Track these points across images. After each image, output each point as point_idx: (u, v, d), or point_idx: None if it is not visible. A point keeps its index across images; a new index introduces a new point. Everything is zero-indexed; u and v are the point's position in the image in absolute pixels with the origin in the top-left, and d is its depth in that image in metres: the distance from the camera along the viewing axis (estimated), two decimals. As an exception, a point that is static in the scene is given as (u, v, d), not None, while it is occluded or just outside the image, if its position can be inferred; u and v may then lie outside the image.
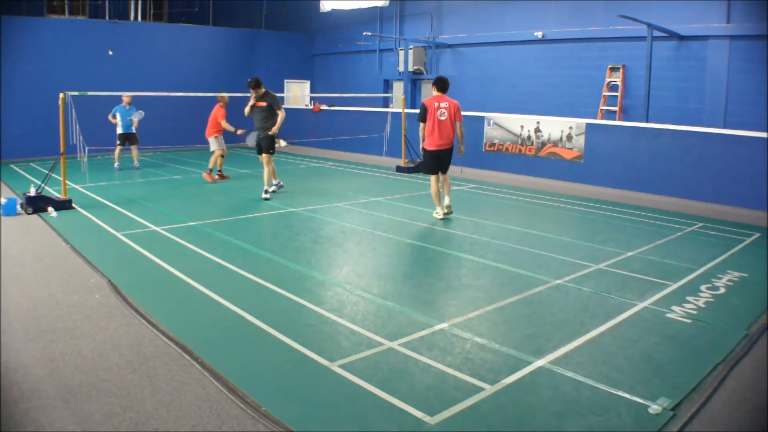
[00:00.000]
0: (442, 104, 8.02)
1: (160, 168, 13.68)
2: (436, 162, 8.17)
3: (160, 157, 15.64)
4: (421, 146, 8.35)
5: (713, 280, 5.71)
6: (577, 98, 13.83)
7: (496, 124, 13.39)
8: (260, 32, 20.67)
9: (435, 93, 8.17)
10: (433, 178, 8.23)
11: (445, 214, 8.24)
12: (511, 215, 8.79)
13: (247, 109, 9.67)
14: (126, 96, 12.86)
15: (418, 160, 13.37)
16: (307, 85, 21.16)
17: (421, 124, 8.12)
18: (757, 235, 7.75)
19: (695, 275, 5.84)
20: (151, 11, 20.29)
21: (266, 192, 9.65)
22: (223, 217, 8.34)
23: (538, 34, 14.50)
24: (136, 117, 13.01)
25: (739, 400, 3.49)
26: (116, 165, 13.19)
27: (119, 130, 12.96)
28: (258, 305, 4.82)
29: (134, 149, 13.30)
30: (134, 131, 13.10)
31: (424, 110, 8.03)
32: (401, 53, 17.28)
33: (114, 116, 12.88)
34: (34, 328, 4.31)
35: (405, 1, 17.94)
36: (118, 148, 13.10)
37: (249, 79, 9.42)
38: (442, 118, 8.01)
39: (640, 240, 7.27)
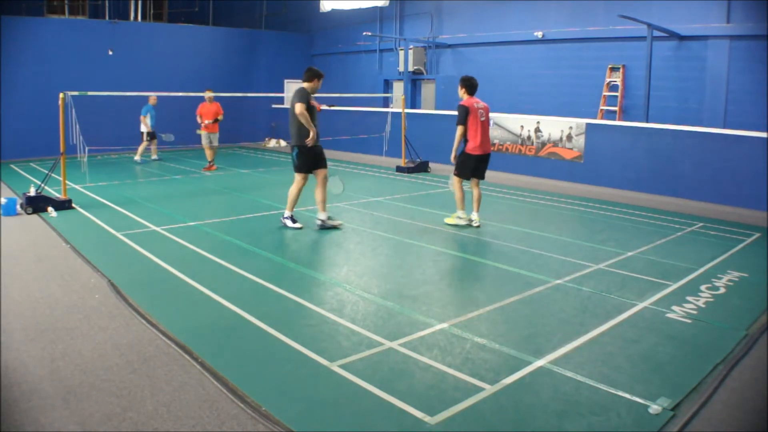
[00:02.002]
0: (480, 105, 7.62)
1: (160, 168, 13.69)
2: (478, 167, 7.69)
3: (160, 157, 15.63)
4: (454, 151, 7.67)
5: (713, 280, 5.70)
6: (577, 98, 13.83)
7: (496, 124, 13.39)
8: (260, 32, 20.68)
9: (465, 95, 7.65)
10: (459, 182, 7.77)
11: (476, 226, 7.74)
12: (511, 215, 8.79)
13: (305, 107, 7.21)
14: (154, 97, 14.13)
15: (419, 160, 13.41)
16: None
17: (460, 128, 7.54)
18: (757, 235, 7.75)
19: (695, 275, 5.84)
20: (151, 11, 20.30)
21: (331, 219, 7.62)
22: (223, 217, 8.34)
23: (538, 34, 14.50)
24: (165, 138, 14.05)
25: (739, 400, 3.49)
26: (154, 157, 14.82)
27: (146, 129, 14.18)
28: (258, 305, 4.82)
29: (153, 143, 14.64)
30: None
31: (466, 112, 7.50)
32: (401, 53, 17.28)
33: (145, 116, 14.16)
34: (34, 328, 4.31)
35: (405, 1, 17.94)
36: (144, 144, 14.42)
37: (316, 69, 7.48)
38: (482, 119, 7.58)
39: (640, 240, 7.27)
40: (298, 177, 7.49)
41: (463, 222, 7.71)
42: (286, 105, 20.31)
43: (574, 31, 13.90)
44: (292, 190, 7.51)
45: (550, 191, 11.01)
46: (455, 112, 7.71)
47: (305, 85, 7.43)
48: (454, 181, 7.83)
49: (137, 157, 14.50)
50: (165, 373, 3.64)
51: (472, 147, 7.62)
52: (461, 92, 7.72)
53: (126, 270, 5.78)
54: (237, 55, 19.71)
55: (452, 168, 7.91)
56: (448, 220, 7.88)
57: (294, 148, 7.45)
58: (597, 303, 5.01)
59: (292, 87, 20.53)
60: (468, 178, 7.77)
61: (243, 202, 9.50)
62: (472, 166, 7.68)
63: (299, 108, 7.13)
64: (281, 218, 7.72)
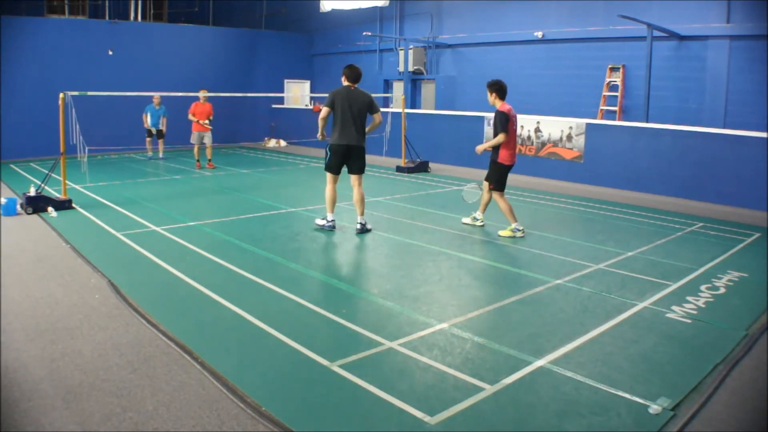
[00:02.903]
0: (513, 112, 7.19)
1: (160, 168, 13.69)
2: (507, 175, 7.38)
3: (164, 156, 15.63)
4: (483, 148, 7.44)
5: (713, 280, 5.70)
6: (577, 98, 13.84)
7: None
8: (260, 32, 20.68)
9: (498, 101, 7.18)
10: (502, 195, 7.37)
11: (479, 225, 7.78)
12: (511, 215, 8.78)
13: None
14: (156, 97, 14.58)
15: (419, 160, 13.41)
16: (307, 85, 21.15)
17: (502, 135, 7.06)
18: (757, 235, 7.74)
19: (695, 275, 5.84)
20: (151, 11, 20.30)
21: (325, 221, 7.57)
22: (223, 217, 8.33)
23: (538, 34, 14.50)
24: (161, 126, 14.98)
25: (739, 400, 3.49)
26: (149, 155, 15.17)
27: (147, 126, 14.85)
28: (258, 305, 4.82)
29: (161, 143, 15.11)
30: (162, 128, 14.93)
31: (507, 120, 7.03)
32: (401, 53, 17.28)
33: (146, 114, 14.70)
34: (34, 328, 4.30)
35: (405, 1, 17.94)
36: (148, 140, 15.01)
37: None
38: (514, 127, 7.22)
39: (640, 240, 7.27)
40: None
41: (520, 234, 7.25)
42: (286, 105, 20.43)
43: (574, 31, 13.90)
44: (363, 192, 7.43)
45: (550, 191, 11.01)
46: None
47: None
48: (495, 195, 7.38)
49: (160, 154, 15.23)
50: (165, 373, 3.64)
51: (507, 156, 7.23)
52: (492, 98, 7.23)
53: (126, 270, 5.78)
54: (237, 55, 19.70)
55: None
56: (503, 233, 7.32)
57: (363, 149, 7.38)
58: (597, 303, 5.01)
59: (292, 87, 20.54)
60: (504, 189, 7.39)
61: (243, 202, 9.50)
62: (506, 175, 7.36)
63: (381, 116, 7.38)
64: (361, 227, 7.36)
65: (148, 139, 14.96)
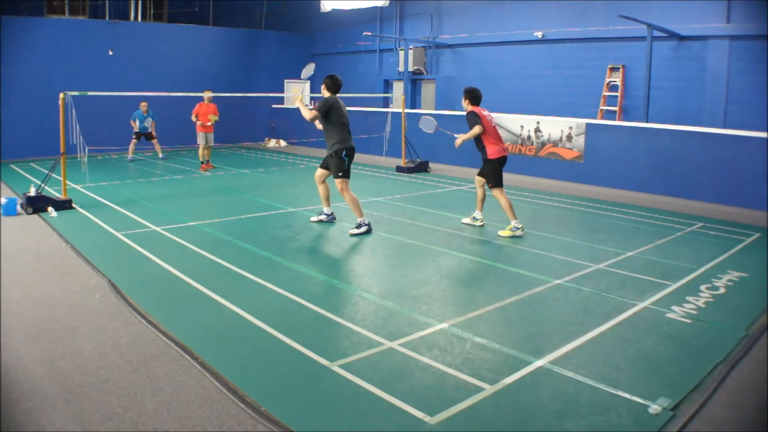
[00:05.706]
0: (485, 112, 7.55)
1: (160, 168, 13.69)
2: (502, 170, 7.53)
3: (166, 156, 15.64)
4: (463, 138, 7.60)
5: (713, 280, 5.70)
6: (577, 98, 13.83)
7: (496, 124, 13.35)
8: (260, 32, 20.68)
9: (470, 106, 7.54)
10: (501, 191, 7.46)
11: (478, 224, 7.84)
12: (511, 215, 8.77)
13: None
14: (143, 103, 14.64)
15: (419, 160, 13.41)
16: (307, 85, 21.13)
17: (479, 127, 7.36)
18: (757, 235, 7.74)
19: (695, 275, 5.84)
20: (151, 11, 20.29)
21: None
22: (223, 217, 8.33)
23: (538, 34, 14.50)
24: (148, 125, 14.98)
25: (739, 400, 3.49)
26: (129, 157, 14.81)
27: (136, 129, 14.79)
28: (258, 305, 4.82)
29: (156, 144, 15.08)
30: (150, 131, 14.93)
31: (477, 117, 7.39)
32: (401, 53, 17.28)
33: (134, 120, 14.74)
34: (34, 328, 4.31)
35: (405, 1, 17.94)
36: (133, 141, 14.80)
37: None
38: (493, 124, 7.57)
39: (640, 240, 7.27)
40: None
41: (519, 233, 7.32)
42: (286, 105, 20.45)
43: (574, 31, 13.89)
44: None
45: (550, 191, 11.01)
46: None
47: None
48: (495, 192, 7.46)
49: (160, 155, 15.21)
50: (165, 373, 3.64)
51: (495, 151, 7.44)
52: (465, 103, 7.61)
53: (126, 270, 5.78)
54: (237, 55, 19.70)
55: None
56: (503, 233, 7.35)
57: None
58: (597, 303, 5.01)
59: (292, 87, 20.54)
60: (502, 185, 7.50)
61: (243, 202, 9.50)
62: (500, 170, 7.49)
63: None
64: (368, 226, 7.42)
65: (134, 140, 14.78)
